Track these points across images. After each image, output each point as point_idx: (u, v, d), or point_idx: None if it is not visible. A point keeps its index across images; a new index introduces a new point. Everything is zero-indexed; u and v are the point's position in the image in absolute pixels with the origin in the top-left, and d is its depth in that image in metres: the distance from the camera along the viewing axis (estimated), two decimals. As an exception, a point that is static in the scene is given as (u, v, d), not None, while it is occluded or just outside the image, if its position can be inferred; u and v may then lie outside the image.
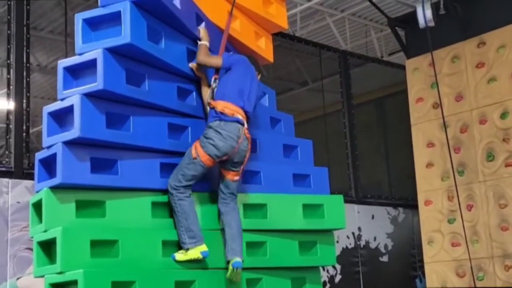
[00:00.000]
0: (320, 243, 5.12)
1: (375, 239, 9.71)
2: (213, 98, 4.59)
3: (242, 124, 4.53)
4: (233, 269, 4.42)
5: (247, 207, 4.78)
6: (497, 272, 7.93)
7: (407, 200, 10.19)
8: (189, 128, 4.68)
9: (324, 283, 8.83)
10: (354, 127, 10.12)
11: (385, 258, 9.78)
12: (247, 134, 4.56)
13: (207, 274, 4.50)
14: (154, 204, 4.44)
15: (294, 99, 12.18)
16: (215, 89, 4.62)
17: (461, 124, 8.47)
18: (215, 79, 4.69)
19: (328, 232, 5.21)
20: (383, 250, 9.81)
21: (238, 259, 4.46)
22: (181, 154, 4.58)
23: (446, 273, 8.40)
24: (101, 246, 4.11)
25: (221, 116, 4.47)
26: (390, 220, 10.03)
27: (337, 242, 8.88)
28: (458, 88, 8.54)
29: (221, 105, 4.51)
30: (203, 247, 4.36)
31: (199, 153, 4.41)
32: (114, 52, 4.13)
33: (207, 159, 4.42)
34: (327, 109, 10.45)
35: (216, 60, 4.64)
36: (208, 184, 4.71)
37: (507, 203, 7.93)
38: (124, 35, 4.10)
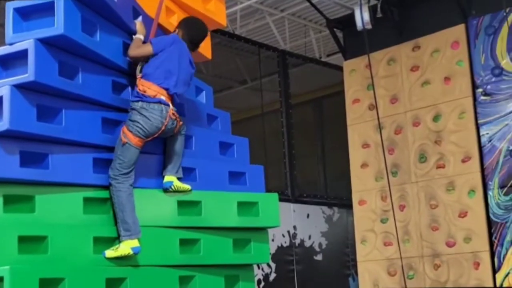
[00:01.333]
0: (254, 241, 5.12)
1: (310, 237, 9.82)
2: (140, 72, 4.60)
3: (167, 105, 4.53)
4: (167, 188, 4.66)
5: (182, 204, 4.74)
6: (426, 271, 8.14)
7: (342, 199, 10.35)
8: (124, 123, 4.60)
9: (259, 281, 8.87)
10: (292, 126, 10.21)
11: (319, 257, 9.91)
12: (173, 116, 4.57)
13: (139, 271, 4.43)
14: (86, 200, 4.35)
15: (232, 98, 12.18)
16: (144, 65, 4.61)
17: (396, 126, 8.65)
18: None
19: (262, 230, 5.23)
20: (317, 249, 9.93)
21: (168, 179, 4.67)
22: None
23: (378, 271, 8.57)
24: (29, 242, 4.00)
25: (143, 98, 4.49)
26: (325, 219, 10.16)
27: (273, 240, 8.95)
28: (393, 91, 8.72)
29: (144, 85, 4.52)
30: (135, 243, 4.31)
31: (128, 137, 4.42)
32: (46, 43, 4.03)
33: (138, 141, 4.44)
34: (265, 108, 10.50)
35: (146, 49, 4.60)
36: (144, 181, 4.64)
37: (437, 204, 8.15)
38: (57, 26, 4.00)
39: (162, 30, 5.04)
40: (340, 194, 10.49)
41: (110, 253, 4.28)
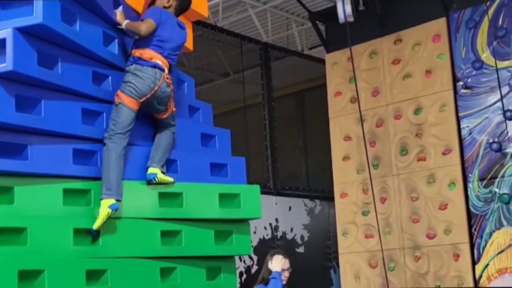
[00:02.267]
0: (236, 232, 5.11)
1: (291, 230, 9.83)
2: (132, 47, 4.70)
3: (162, 70, 4.60)
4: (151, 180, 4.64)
5: (163, 195, 4.72)
6: (407, 262, 8.19)
7: (323, 192, 10.37)
8: (104, 114, 4.57)
9: (241, 274, 8.87)
10: (274, 119, 10.20)
11: (301, 249, 9.93)
12: (168, 80, 4.65)
13: (120, 263, 4.40)
14: (66, 191, 4.30)
15: (215, 90, 12.14)
16: (137, 41, 4.69)
17: (377, 119, 8.68)
18: None
19: (244, 221, 5.22)
20: (299, 241, 9.95)
21: (152, 171, 4.64)
22: (95, 140, 4.48)
23: (359, 263, 8.61)
24: (8, 233, 3.95)
25: (138, 61, 4.57)
26: (307, 211, 10.18)
27: (255, 233, 8.95)
28: (375, 84, 8.74)
29: (139, 52, 4.61)
30: (111, 201, 4.31)
31: (121, 98, 4.49)
32: (25, 32, 3.97)
33: (130, 101, 4.49)
34: (247, 101, 10.48)
35: (150, 23, 4.62)
36: (126, 172, 4.61)
37: (418, 196, 8.20)
38: (36, 15, 3.95)
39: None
40: (322, 186, 10.52)
41: (96, 223, 4.26)
